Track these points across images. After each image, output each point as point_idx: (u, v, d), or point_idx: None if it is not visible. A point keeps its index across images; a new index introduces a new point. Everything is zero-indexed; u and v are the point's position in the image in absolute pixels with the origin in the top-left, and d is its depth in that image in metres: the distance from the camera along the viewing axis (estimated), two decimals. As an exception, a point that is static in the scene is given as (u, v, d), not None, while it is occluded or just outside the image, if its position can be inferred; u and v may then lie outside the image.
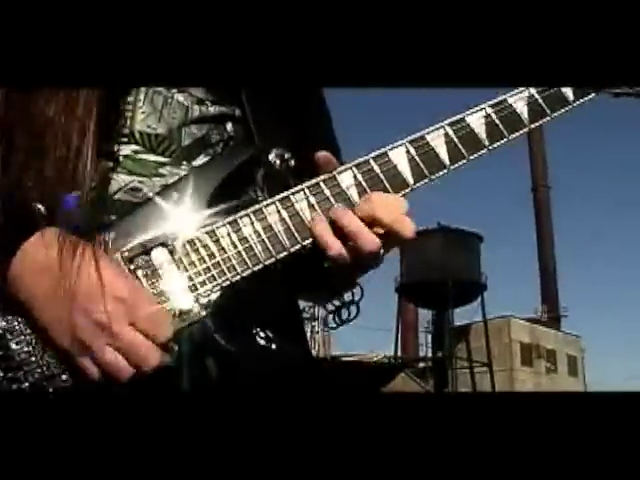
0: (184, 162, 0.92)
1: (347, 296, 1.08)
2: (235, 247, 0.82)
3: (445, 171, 0.88)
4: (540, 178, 39.50)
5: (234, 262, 0.81)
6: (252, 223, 0.83)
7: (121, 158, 0.89)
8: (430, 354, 29.26)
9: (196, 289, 0.80)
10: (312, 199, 0.85)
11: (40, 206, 0.77)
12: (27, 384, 0.73)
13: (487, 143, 0.90)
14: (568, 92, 0.93)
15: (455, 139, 0.89)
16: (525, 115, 0.92)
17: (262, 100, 0.98)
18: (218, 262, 0.81)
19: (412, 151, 0.88)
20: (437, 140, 0.88)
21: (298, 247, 0.83)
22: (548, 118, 0.93)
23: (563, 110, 0.93)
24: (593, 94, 0.94)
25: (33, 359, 0.73)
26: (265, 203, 0.84)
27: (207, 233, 0.82)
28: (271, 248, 0.82)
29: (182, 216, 0.83)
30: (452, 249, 25.40)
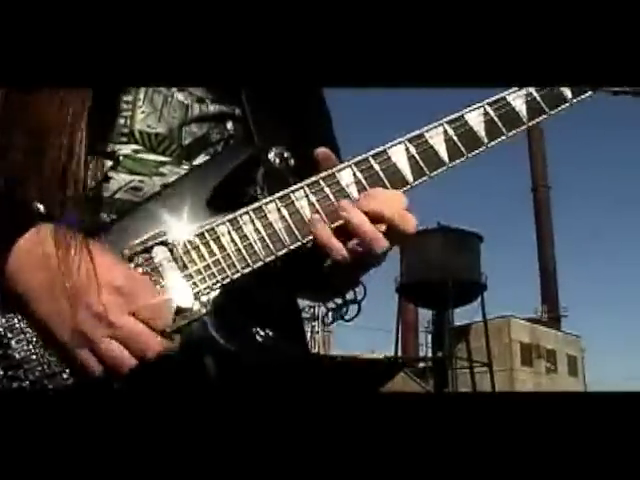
0: (184, 161, 0.92)
1: (349, 295, 1.08)
2: (235, 245, 0.82)
3: (444, 169, 0.89)
4: (540, 178, 39.52)
5: (234, 259, 0.82)
6: (252, 221, 0.83)
7: (121, 157, 0.89)
8: (430, 354, 29.25)
9: (196, 287, 0.80)
10: (312, 197, 0.85)
11: (40, 205, 0.78)
12: (28, 382, 0.73)
13: (486, 141, 0.90)
14: (566, 90, 0.94)
15: (454, 137, 0.89)
16: (524, 113, 0.92)
17: (262, 99, 0.98)
18: (218, 260, 0.81)
19: (411, 149, 0.88)
20: (436, 138, 0.89)
21: (298, 245, 0.83)
22: (546, 116, 0.93)
23: (561, 108, 0.94)
24: (591, 92, 0.95)
25: (34, 357, 0.73)
26: (265, 201, 0.84)
27: (207, 231, 0.82)
28: (271, 246, 0.83)
29: (182, 215, 0.83)
30: (452, 249, 25.38)
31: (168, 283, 0.79)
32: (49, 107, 0.81)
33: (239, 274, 0.81)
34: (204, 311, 0.79)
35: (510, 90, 0.92)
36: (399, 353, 28.75)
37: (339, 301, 1.01)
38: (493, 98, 0.92)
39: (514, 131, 0.92)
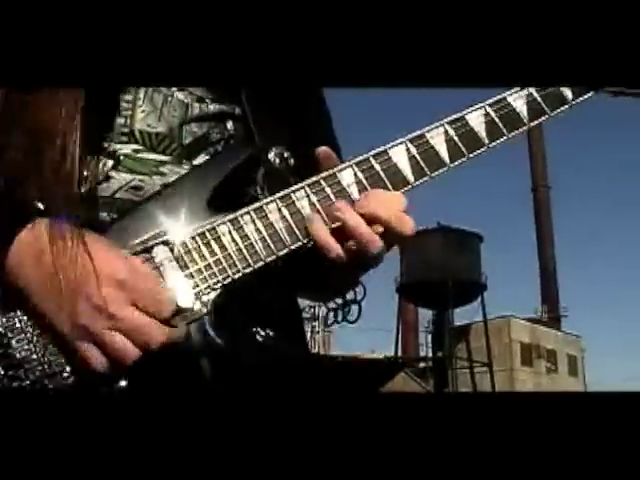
0: (185, 160, 0.92)
1: (349, 295, 1.08)
2: (236, 244, 0.82)
3: (445, 169, 0.89)
4: (540, 178, 39.50)
5: (235, 259, 0.82)
6: (253, 221, 0.83)
7: (122, 157, 0.89)
8: (430, 354, 29.23)
9: (197, 286, 0.80)
10: (313, 197, 0.85)
11: (40, 204, 0.78)
12: (28, 382, 0.73)
13: (487, 141, 0.90)
14: (567, 91, 0.94)
15: (455, 137, 0.89)
16: (524, 114, 0.92)
17: (262, 99, 0.98)
18: (219, 259, 0.81)
19: (412, 149, 0.88)
20: (437, 138, 0.89)
21: (299, 245, 0.84)
22: (547, 117, 0.93)
23: (562, 109, 0.94)
24: (592, 93, 0.95)
25: (34, 357, 0.73)
26: (266, 201, 0.84)
27: (208, 230, 0.82)
28: (272, 246, 0.83)
29: (183, 214, 0.83)
30: (452, 249, 25.39)
31: (169, 282, 0.79)
32: (46, 107, 0.82)
33: (240, 274, 0.81)
34: (205, 311, 0.79)
35: (511, 91, 0.92)
36: (399, 353, 28.77)
37: (339, 301, 1.01)
38: (494, 99, 0.92)
39: (515, 132, 0.92)
